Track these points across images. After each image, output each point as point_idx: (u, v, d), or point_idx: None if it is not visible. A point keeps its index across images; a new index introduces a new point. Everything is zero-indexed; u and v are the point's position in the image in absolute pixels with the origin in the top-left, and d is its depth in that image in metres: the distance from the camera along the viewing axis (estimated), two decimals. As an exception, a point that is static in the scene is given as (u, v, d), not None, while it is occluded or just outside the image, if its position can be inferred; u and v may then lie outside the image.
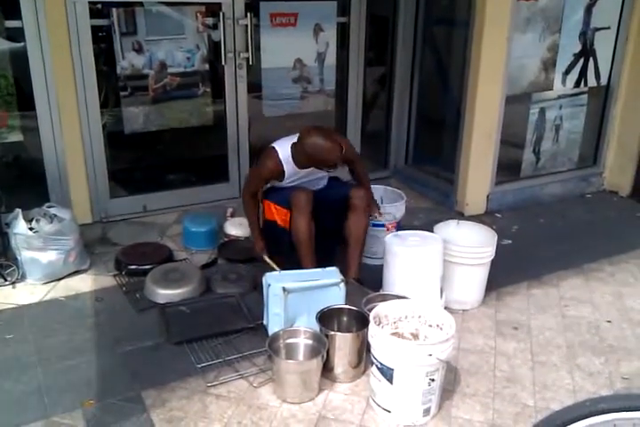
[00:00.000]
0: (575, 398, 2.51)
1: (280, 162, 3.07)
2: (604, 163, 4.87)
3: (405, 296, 2.73)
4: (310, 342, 2.58)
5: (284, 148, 3.08)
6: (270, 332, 2.72)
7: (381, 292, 2.94)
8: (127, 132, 3.98)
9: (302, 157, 3.00)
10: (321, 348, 2.48)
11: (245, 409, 2.38)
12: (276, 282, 2.69)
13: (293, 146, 3.05)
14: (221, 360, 2.63)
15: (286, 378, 2.42)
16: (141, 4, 3.79)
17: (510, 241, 3.89)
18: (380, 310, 2.50)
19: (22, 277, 3.24)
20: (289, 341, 2.59)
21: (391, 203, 3.61)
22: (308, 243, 3.09)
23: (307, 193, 3.08)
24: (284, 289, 2.64)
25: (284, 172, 3.10)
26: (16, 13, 3.42)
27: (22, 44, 3.48)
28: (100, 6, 3.79)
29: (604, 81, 4.64)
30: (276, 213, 3.19)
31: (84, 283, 3.29)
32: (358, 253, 3.20)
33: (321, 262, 3.06)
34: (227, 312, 2.99)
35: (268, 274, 2.78)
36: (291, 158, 3.07)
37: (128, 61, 3.83)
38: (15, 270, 3.24)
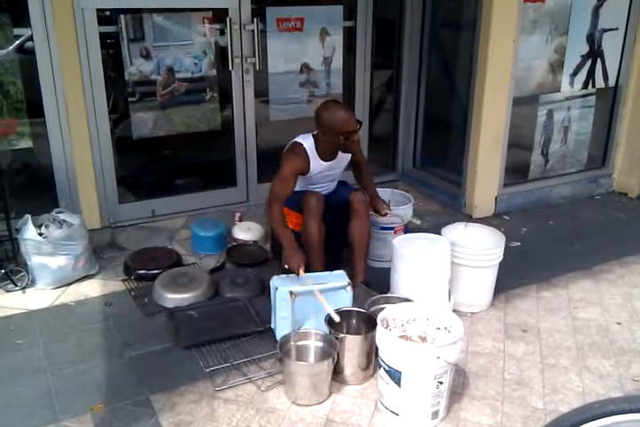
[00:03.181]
0: (585, 400, 2.49)
1: (306, 152, 3.10)
2: (612, 164, 4.85)
3: (409, 298, 2.73)
4: (321, 344, 2.58)
5: (306, 139, 3.14)
6: (278, 335, 2.72)
7: (385, 294, 2.93)
8: (135, 138, 4.01)
9: (324, 136, 3.04)
10: (331, 350, 2.48)
11: (253, 413, 2.39)
12: (284, 285, 2.69)
13: (315, 136, 3.13)
14: (229, 364, 2.64)
15: (297, 380, 2.42)
16: (149, 11, 3.81)
17: (519, 243, 3.88)
18: (387, 312, 2.50)
19: (32, 283, 3.26)
20: (299, 343, 2.59)
21: (399, 206, 3.60)
22: (319, 246, 3.09)
23: (317, 196, 3.09)
24: (291, 293, 2.65)
25: (309, 163, 3.11)
26: (25, 21, 3.45)
27: (31, 50, 3.51)
28: (108, 13, 3.83)
29: (612, 82, 4.63)
30: (293, 219, 3.19)
31: (93, 288, 3.31)
32: (363, 256, 3.20)
33: (329, 266, 3.07)
34: (235, 316, 2.99)
35: (275, 277, 2.79)
36: (314, 148, 3.11)
37: (136, 67, 3.85)
38: (25, 276, 3.26)
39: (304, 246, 3.09)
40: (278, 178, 3.07)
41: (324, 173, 3.22)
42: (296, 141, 3.15)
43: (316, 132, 3.13)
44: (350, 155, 3.27)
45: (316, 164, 3.14)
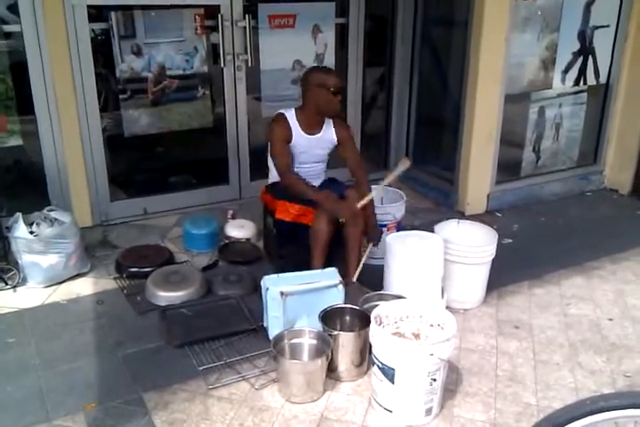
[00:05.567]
0: (577, 396, 2.50)
1: (287, 121, 3.22)
2: (604, 161, 4.87)
3: (402, 296, 2.74)
4: (315, 342, 2.58)
5: (288, 111, 3.27)
6: (270, 334, 2.72)
7: (378, 291, 2.93)
8: (127, 135, 3.99)
9: (308, 98, 3.17)
10: (325, 348, 2.48)
11: (247, 411, 2.38)
12: (274, 285, 2.68)
13: (298, 108, 3.26)
14: (223, 362, 2.63)
15: (291, 378, 2.42)
16: (140, 8, 3.78)
17: (511, 240, 3.89)
18: (380, 310, 2.50)
19: (23, 281, 3.24)
20: (293, 341, 2.59)
21: (391, 203, 3.61)
22: (325, 243, 3.09)
23: (334, 195, 3.09)
24: (281, 293, 2.64)
25: (291, 131, 3.21)
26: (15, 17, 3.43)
27: (21, 48, 3.48)
28: (98, 10, 3.79)
29: (603, 79, 4.65)
30: (291, 211, 3.19)
31: (84, 286, 3.29)
32: (356, 253, 3.19)
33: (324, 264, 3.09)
34: (228, 314, 2.99)
35: (266, 277, 2.78)
36: (296, 119, 3.23)
37: (127, 64, 3.83)
38: (16, 274, 3.24)
39: (310, 241, 3.09)
40: (274, 152, 3.23)
41: (309, 151, 3.26)
42: (278, 112, 3.28)
43: (298, 106, 3.26)
44: (336, 135, 3.29)
45: (298, 134, 3.23)
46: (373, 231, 3.26)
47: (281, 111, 3.28)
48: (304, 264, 3.09)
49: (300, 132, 3.23)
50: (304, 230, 3.12)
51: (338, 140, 3.32)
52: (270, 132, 3.24)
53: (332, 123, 3.30)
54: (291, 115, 3.24)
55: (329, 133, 3.30)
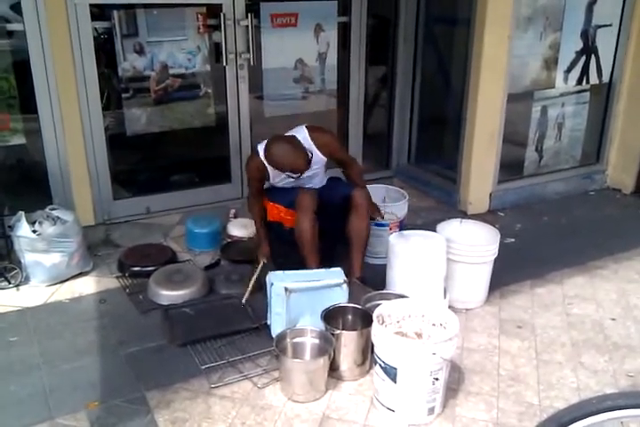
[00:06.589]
0: (580, 396, 2.50)
1: (262, 162, 3.12)
2: (606, 160, 4.86)
3: (404, 295, 2.73)
4: (317, 341, 2.59)
5: (263, 149, 3.11)
6: (273, 332, 2.72)
7: (381, 291, 2.93)
8: (129, 134, 3.99)
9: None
10: (327, 347, 2.48)
11: (249, 410, 2.38)
12: (279, 281, 2.69)
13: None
14: (225, 361, 2.64)
15: (293, 377, 2.42)
16: (142, 6, 3.78)
17: (513, 239, 3.89)
18: (383, 309, 2.50)
19: (26, 280, 3.25)
20: (296, 340, 2.60)
21: (393, 202, 3.60)
22: (312, 243, 3.09)
23: (311, 193, 3.08)
24: (285, 289, 2.65)
25: (267, 171, 3.15)
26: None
27: (24, 46, 3.48)
28: (101, 8, 3.80)
29: (606, 78, 4.63)
30: (278, 213, 3.20)
31: (87, 285, 3.29)
32: (361, 252, 3.20)
33: (323, 263, 3.08)
34: (230, 313, 2.99)
35: (271, 273, 2.79)
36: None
37: (129, 63, 3.83)
38: (19, 273, 3.24)
39: (297, 243, 3.09)
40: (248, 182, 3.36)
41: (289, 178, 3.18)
42: (256, 147, 3.16)
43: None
44: (325, 157, 3.20)
45: (275, 172, 3.14)
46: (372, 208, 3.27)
47: (258, 147, 3.14)
48: (301, 264, 3.10)
49: (273, 170, 3.12)
50: (291, 232, 3.13)
51: (327, 156, 3.20)
52: (245, 167, 3.26)
53: (310, 143, 3.13)
54: (264, 155, 3.09)
55: (314, 156, 3.13)
